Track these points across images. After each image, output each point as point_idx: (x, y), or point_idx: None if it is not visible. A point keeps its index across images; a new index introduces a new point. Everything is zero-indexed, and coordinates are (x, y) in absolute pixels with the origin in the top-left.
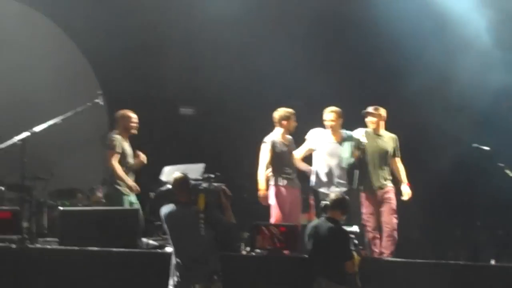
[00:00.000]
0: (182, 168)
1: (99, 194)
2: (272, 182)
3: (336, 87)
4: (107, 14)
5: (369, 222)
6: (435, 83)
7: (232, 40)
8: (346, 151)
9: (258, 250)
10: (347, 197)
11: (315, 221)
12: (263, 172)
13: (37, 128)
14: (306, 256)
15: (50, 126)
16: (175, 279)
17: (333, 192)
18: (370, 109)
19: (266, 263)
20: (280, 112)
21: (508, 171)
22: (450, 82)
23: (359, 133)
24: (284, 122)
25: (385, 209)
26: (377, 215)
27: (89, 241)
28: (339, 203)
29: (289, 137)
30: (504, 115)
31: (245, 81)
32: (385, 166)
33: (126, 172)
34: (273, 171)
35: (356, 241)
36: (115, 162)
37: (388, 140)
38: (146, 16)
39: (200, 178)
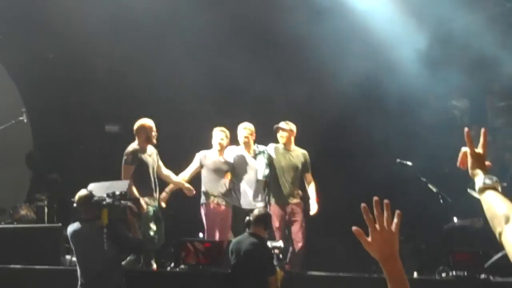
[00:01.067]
0: (106, 185)
1: (22, 212)
2: (203, 201)
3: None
4: (31, 31)
5: (277, 236)
6: (359, 92)
7: (156, 54)
8: (261, 164)
9: (182, 266)
10: (270, 212)
11: (238, 237)
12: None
13: None
14: (230, 271)
15: None
16: None
17: (257, 208)
18: (282, 124)
19: (190, 278)
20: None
21: (431, 186)
22: (376, 90)
23: (270, 149)
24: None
25: (294, 226)
26: (285, 228)
27: (12, 259)
28: (262, 218)
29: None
30: (427, 129)
31: (169, 96)
32: (295, 181)
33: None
34: (206, 188)
35: (280, 256)
36: (127, 175)
37: (299, 155)
38: (70, 34)
39: (105, 195)
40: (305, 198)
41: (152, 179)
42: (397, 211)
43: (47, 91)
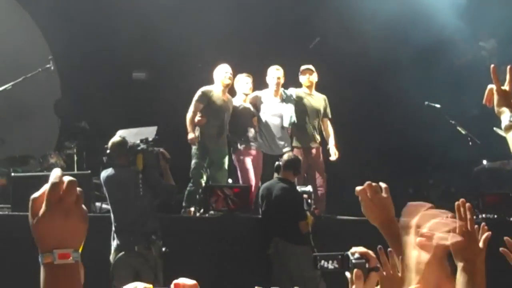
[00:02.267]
0: (134, 131)
1: (52, 160)
2: (234, 147)
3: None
4: None
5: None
6: (385, 36)
7: (184, 4)
8: (288, 110)
9: (212, 212)
10: (299, 157)
11: (268, 182)
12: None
13: None
14: (260, 216)
15: (0, 92)
16: (116, 242)
17: (286, 153)
18: (309, 66)
19: (220, 224)
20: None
21: (460, 128)
22: (403, 35)
23: (292, 93)
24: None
25: (315, 170)
26: (307, 171)
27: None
28: (291, 163)
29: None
30: (454, 72)
31: (196, 45)
32: (316, 125)
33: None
34: (234, 135)
35: (309, 201)
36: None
37: (320, 99)
38: None
39: (138, 141)
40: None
41: (222, 123)
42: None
43: (74, 39)
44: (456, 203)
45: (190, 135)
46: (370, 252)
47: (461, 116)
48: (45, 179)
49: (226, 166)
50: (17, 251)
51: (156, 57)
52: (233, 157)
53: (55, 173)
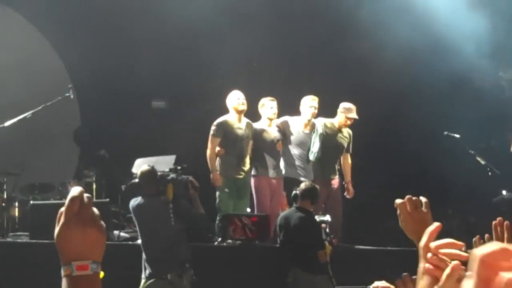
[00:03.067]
0: (153, 160)
1: (71, 188)
2: (253, 172)
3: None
4: (77, 5)
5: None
6: (406, 65)
7: (204, 33)
8: (316, 145)
9: (229, 241)
10: (317, 186)
11: (286, 211)
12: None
13: (7, 123)
14: (278, 246)
15: (20, 121)
16: (148, 271)
17: (303, 182)
18: (355, 114)
19: (238, 253)
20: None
21: (479, 158)
22: (424, 64)
23: (320, 124)
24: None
25: (333, 201)
26: (326, 202)
27: None
28: (308, 192)
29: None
30: (474, 102)
31: (216, 74)
32: (337, 160)
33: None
34: (255, 161)
35: (328, 230)
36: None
37: (346, 135)
38: (118, 9)
39: (167, 169)
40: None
41: (241, 151)
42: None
43: (94, 67)
44: (494, 222)
45: (213, 174)
46: (392, 287)
47: (480, 146)
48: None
49: (248, 195)
50: (35, 279)
51: (175, 86)
52: (252, 182)
53: (75, 189)
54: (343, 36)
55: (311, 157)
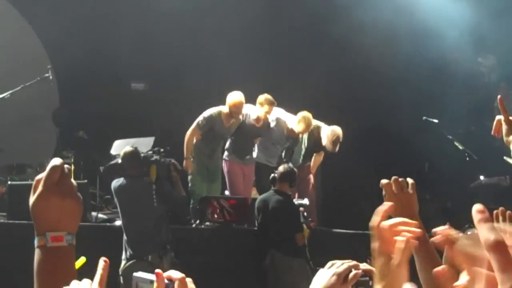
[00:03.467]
0: (132, 141)
1: None
2: (225, 157)
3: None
4: None
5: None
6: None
7: (185, 15)
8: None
9: (207, 223)
10: (295, 169)
11: (264, 194)
12: None
13: None
14: (256, 228)
15: None
16: (128, 252)
17: (282, 165)
18: (340, 136)
19: (216, 235)
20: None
21: (457, 144)
22: (403, 49)
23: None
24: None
25: (306, 185)
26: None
27: None
28: (287, 175)
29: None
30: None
31: (196, 57)
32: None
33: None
34: (230, 146)
35: (305, 214)
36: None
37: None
38: None
39: (150, 151)
40: None
41: (217, 145)
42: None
43: (73, 48)
44: (495, 211)
45: (186, 162)
46: (374, 269)
47: (458, 131)
48: None
49: (219, 179)
50: (13, 260)
51: (155, 68)
52: (224, 167)
53: (56, 159)
54: (323, 23)
55: (296, 157)
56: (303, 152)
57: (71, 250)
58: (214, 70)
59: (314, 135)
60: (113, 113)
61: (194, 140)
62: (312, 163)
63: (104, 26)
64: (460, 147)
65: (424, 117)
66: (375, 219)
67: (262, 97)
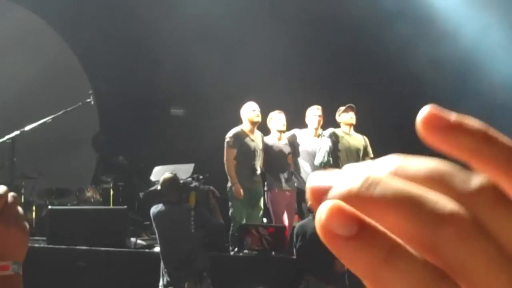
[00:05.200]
0: (171, 168)
1: (88, 193)
2: (267, 187)
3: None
4: (99, 13)
5: None
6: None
7: (225, 43)
8: (323, 149)
9: (246, 251)
10: None
11: (303, 220)
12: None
13: (28, 127)
14: (295, 257)
15: (40, 125)
16: (165, 278)
17: None
18: (351, 104)
19: (254, 263)
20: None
21: None
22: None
23: (327, 131)
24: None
25: None
26: None
27: (77, 240)
28: None
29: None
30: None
31: (235, 83)
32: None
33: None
34: (268, 174)
35: None
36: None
37: (359, 139)
38: (138, 17)
39: (190, 177)
40: None
41: (253, 162)
42: None
43: (114, 74)
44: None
45: (235, 187)
46: None
47: None
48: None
49: (261, 204)
50: (52, 284)
51: (194, 94)
52: (267, 197)
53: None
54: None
55: (317, 161)
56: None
57: (18, 278)
58: (252, 96)
59: (341, 140)
60: (153, 138)
61: (235, 163)
62: None
63: (145, 52)
64: None
65: None
66: None
67: (272, 113)
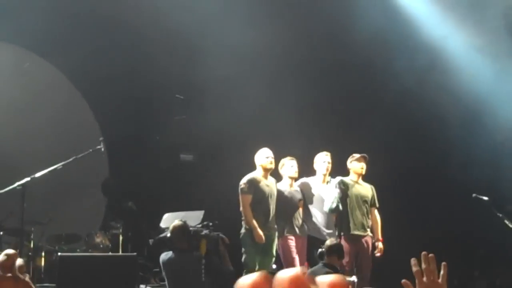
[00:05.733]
0: (182, 215)
1: (97, 239)
2: (279, 233)
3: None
4: (108, 59)
5: (348, 268)
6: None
7: (235, 88)
8: (331, 196)
9: None
10: (342, 243)
11: (313, 268)
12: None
13: (38, 174)
14: None
15: (50, 172)
16: None
17: (328, 239)
18: (365, 155)
19: None
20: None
21: (507, 222)
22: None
23: (336, 179)
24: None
25: (363, 260)
26: (355, 261)
27: (87, 286)
28: (335, 248)
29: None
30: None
31: (245, 128)
32: (366, 213)
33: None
34: (281, 221)
35: None
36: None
37: (367, 188)
38: (147, 63)
39: (199, 225)
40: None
41: (268, 208)
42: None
43: (124, 120)
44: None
45: (256, 232)
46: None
47: (509, 209)
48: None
49: (274, 251)
50: None
51: (204, 140)
52: (278, 243)
53: (9, 250)
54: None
55: (325, 208)
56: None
57: None
58: (261, 142)
59: (349, 188)
60: (162, 184)
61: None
62: (372, 225)
63: (154, 99)
64: (510, 226)
65: (474, 194)
66: None
67: (284, 159)
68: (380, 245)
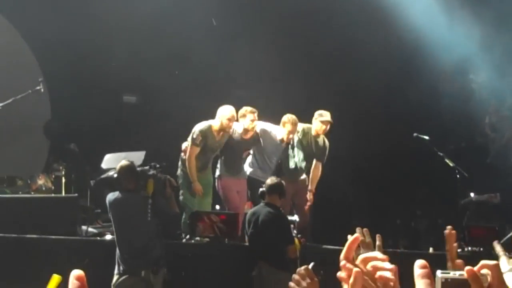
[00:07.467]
0: (123, 155)
1: (40, 181)
2: (218, 174)
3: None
4: None
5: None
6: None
7: (177, 29)
8: (300, 155)
9: (198, 238)
10: (283, 181)
11: (255, 208)
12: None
13: None
14: (247, 244)
15: None
16: (121, 267)
17: (269, 178)
18: (329, 118)
19: (206, 250)
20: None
21: (448, 160)
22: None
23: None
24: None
25: (300, 199)
26: (293, 199)
27: (27, 228)
28: (275, 187)
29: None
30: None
31: (189, 69)
32: (308, 164)
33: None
34: (222, 163)
35: (295, 231)
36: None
37: (321, 144)
38: (88, 2)
39: (146, 167)
40: None
41: (209, 158)
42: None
43: (65, 61)
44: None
45: (195, 185)
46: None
47: (449, 147)
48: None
49: (211, 193)
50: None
51: (147, 81)
52: (218, 184)
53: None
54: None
55: (291, 164)
56: (296, 159)
57: None
58: (206, 84)
59: (307, 139)
60: (105, 126)
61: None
62: (311, 177)
63: (96, 38)
64: (451, 164)
65: (415, 134)
66: (343, 251)
67: (246, 110)
68: (311, 196)
